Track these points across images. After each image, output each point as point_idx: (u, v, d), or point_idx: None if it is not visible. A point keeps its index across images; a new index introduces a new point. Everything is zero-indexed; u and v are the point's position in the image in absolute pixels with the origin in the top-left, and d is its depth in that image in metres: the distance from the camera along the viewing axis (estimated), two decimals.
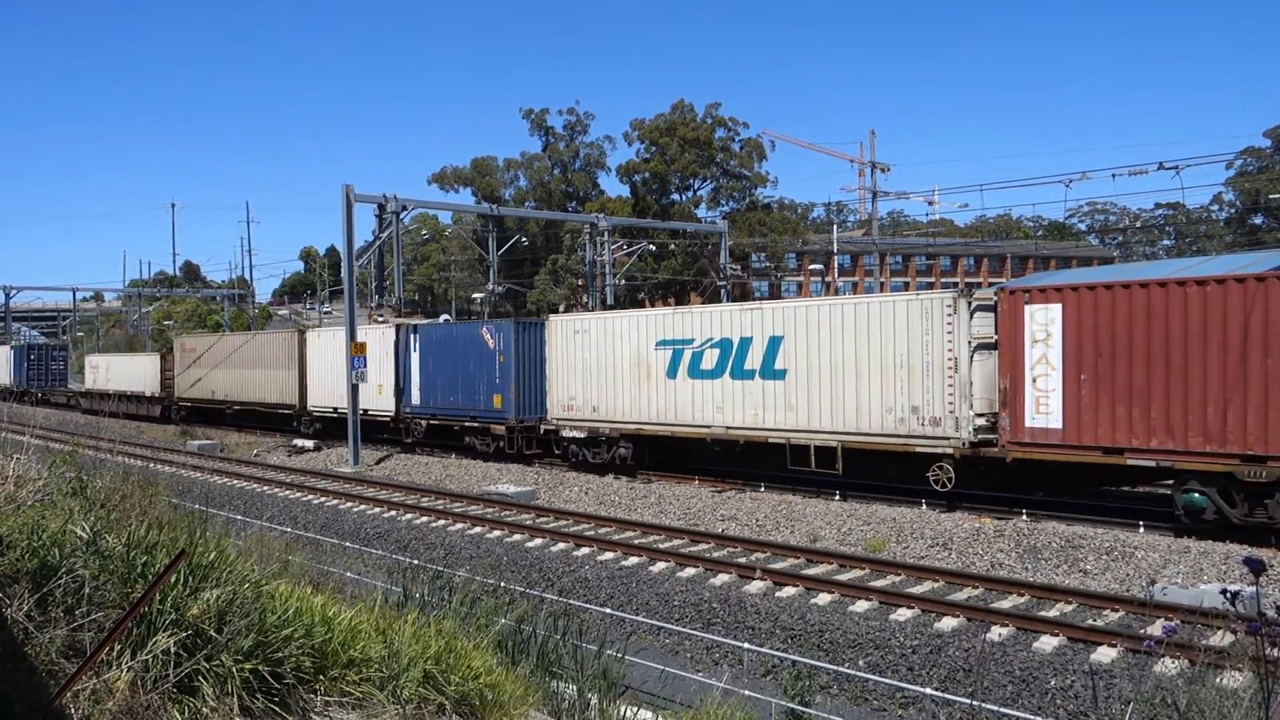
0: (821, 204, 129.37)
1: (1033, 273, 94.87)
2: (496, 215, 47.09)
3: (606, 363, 26.84)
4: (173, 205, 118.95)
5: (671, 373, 25.15)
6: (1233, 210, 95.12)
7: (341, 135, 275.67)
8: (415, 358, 33.41)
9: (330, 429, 38.45)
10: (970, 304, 19.61)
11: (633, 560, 17.84)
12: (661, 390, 25.34)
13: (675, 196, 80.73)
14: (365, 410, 34.17)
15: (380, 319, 36.54)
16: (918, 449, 20.37)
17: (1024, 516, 18.82)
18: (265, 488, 28.29)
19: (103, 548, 4.41)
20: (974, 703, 10.42)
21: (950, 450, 19.80)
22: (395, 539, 20.90)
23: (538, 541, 19.70)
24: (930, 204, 56.94)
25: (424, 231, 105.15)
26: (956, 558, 17.27)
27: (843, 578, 15.94)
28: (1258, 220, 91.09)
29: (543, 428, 28.82)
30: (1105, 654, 12.06)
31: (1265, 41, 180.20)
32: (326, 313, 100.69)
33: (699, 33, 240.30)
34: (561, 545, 19.26)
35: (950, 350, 19.78)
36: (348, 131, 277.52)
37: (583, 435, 27.53)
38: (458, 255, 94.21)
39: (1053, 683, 11.58)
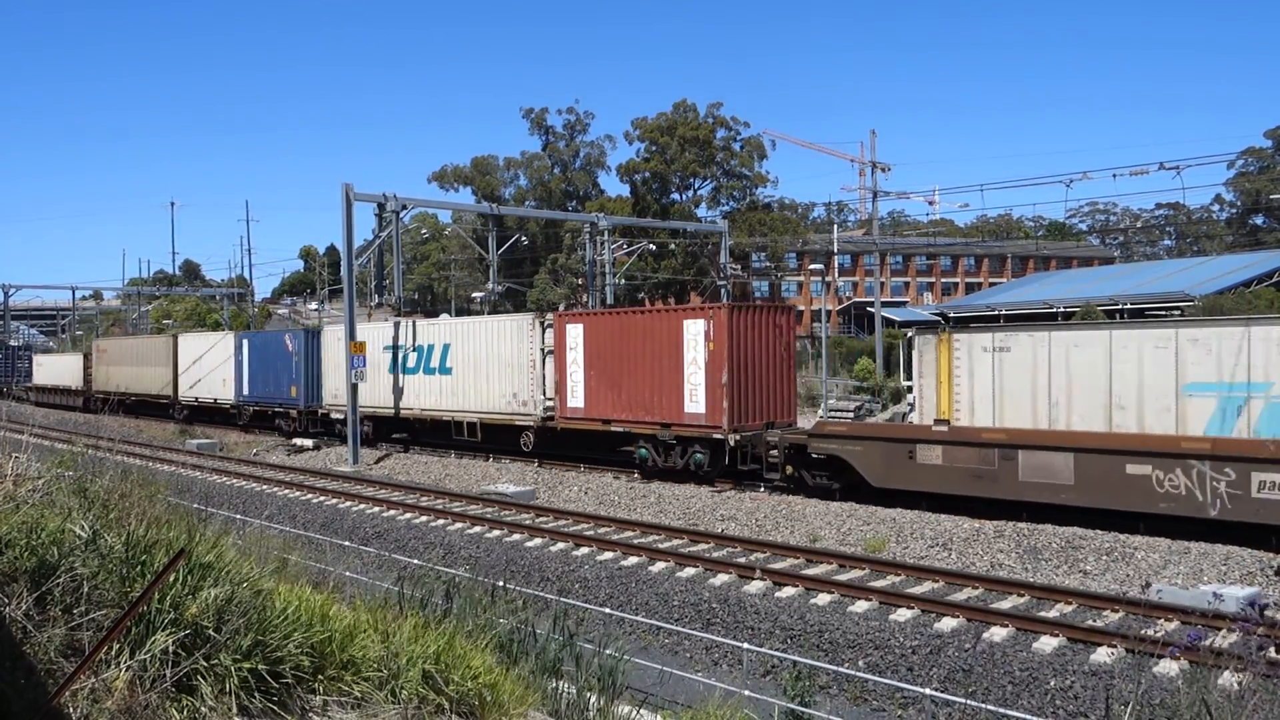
0: (822, 203, 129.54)
1: (1033, 273, 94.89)
2: (496, 214, 47.00)
3: None
4: (172, 204, 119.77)
5: (391, 369, 33.72)
6: (1233, 210, 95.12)
7: (341, 133, 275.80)
8: (245, 358, 41.65)
9: (195, 415, 46.61)
10: (544, 323, 28.82)
11: (632, 560, 17.83)
12: (386, 383, 33.88)
13: (675, 196, 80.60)
14: (215, 399, 44.28)
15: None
16: (517, 422, 29.49)
17: (1023, 518, 18.80)
18: (264, 487, 28.27)
19: (102, 546, 4.39)
20: (973, 703, 10.41)
21: (532, 423, 28.95)
22: (394, 538, 20.88)
23: (537, 541, 19.67)
24: (931, 204, 56.83)
25: (424, 230, 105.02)
26: (956, 558, 17.26)
27: (842, 578, 15.93)
28: (1258, 220, 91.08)
29: (319, 411, 37.38)
30: (1105, 655, 12.05)
31: (1266, 41, 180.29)
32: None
33: (700, 32, 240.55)
34: (561, 545, 19.24)
35: (532, 355, 28.73)
36: (347, 130, 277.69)
37: (342, 417, 34.87)
38: (458, 254, 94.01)
39: (1053, 683, 11.57)
